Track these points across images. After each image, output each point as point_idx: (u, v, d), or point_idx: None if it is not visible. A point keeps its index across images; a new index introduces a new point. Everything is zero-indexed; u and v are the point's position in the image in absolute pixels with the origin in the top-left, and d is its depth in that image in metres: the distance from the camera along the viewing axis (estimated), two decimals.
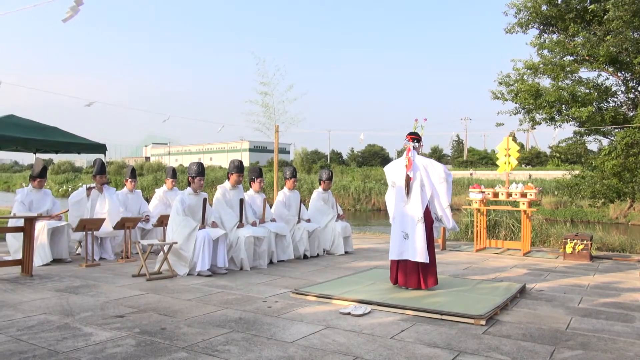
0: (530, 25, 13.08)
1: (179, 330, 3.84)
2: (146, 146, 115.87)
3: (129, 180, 8.17)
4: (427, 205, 5.29)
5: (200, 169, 6.60)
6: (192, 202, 6.48)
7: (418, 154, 5.48)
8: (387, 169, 5.62)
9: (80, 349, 3.35)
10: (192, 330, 3.84)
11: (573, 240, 8.08)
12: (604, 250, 10.21)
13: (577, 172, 14.56)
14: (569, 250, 8.05)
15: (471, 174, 45.15)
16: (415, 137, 5.49)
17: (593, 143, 14.06)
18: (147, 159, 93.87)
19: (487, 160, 55.27)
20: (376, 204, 33.52)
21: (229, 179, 7.10)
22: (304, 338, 3.68)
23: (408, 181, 5.28)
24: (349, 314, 4.36)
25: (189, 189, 6.55)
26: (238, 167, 7.10)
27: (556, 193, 28.41)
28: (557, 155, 15.53)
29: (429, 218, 5.30)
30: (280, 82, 14.24)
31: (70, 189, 38.99)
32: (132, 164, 9.11)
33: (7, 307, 4.47)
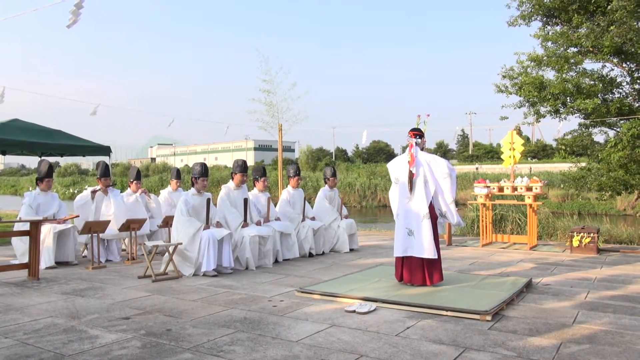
0: (533, 18, 12.97)
1: (185, 331, 3.84)
2: (152, 147, 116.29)
3: (134, 182, 8.17)
4: (431, 201, 5.27)
5: (204, 170, 6.61)
6: (196, 202, 6.49)
7: (421, 149, 5.46)
8: (390, 165, 5.61)
9: (86, 352, 3.36)
10: (197, 330, 3.85)
11: (580, 233, 8.03)
12: (612, 242, 10.16)
13: (583, 164, 14.45)
14: (575, 243, 8.00)
15: (477, 169, 44.98)
16: (417, 133, 5.47)
17: (599, 135, 13.95)
18: (153, 160, 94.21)
19: (492, 154, 55.03)
20: (382, 201, 33.48)
21: (232, 178, 7.10)
22: (309, 337, 3.67)
23: (411, 177, 5.26)
24: (354, 311, 4.36)
25: (192, 190, 6.56)
26: (242, 166, 7.10)
27: (562, 186, 28.25)
28: (563, 147, 15.40)
29: (433, 214, 5.28)
30: (283, 80, 14.22)
31: (76, 192, 39.19)
32: (137, 166, 9.07)
33: (13, 310, 4.49)
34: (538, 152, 54.60)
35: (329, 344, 3.51)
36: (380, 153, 65.71)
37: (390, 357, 3.25)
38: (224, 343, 3.54)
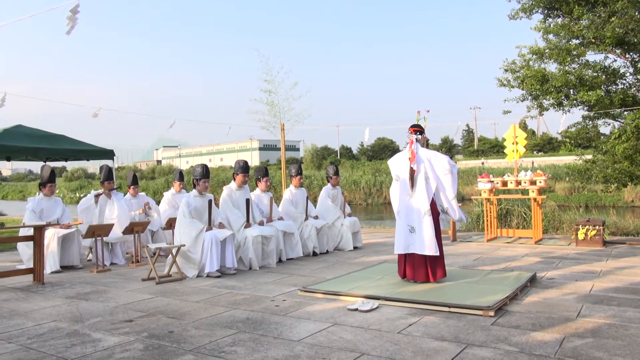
0: (534, 10, 12.87)
1: (187, 332, 3.85)
2: (157, 150, 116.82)
3: (132, 187, 8.20)
4: (432, 198, 5.25)
5: (205, 171, 6.62)
6: (198, 204, 6.50)
7: (422, 146, 5.44)
8: (391, 162, 5.59)
9: (88, 355, 3.37)
10: (199, 332, 3.85)
11: (585, 226, 7.98)
12: (619, 234, 10.08)
13: (589, 156, 14.36)
14: (581, 236, 7.95)
15: (482, 163, 44.82)
16: (418, 129, 5.45)
17: (603, 127, 13.84)
18: (159, 162, 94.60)
19: (498, 148, 54.75)
20: (387, 198, 33.28)
21: (234, 179, 7.11)
22: (310, 336, 3.67)
23: (412, 174, 5.24)
24: (356, 310, 4.35)
25: (194, 191, 6.58)
26: (243, 167, 7.11)
27: (568, 179, 28.10)
28: (568, 140, 15.31)
29: (435, 210, 5.26)
30: (284, 80, 14.16)
31: (82, 196, 39.39)
32: (136, 170, 9.10)
33: (18, 315, 4.52)
34: (544, 145, 54.31)
35: (330, 343, 3.50)
36: (385, 150, 65.53)
37: (391, 354, 3.24)
38: (225, 344, 3.55)
